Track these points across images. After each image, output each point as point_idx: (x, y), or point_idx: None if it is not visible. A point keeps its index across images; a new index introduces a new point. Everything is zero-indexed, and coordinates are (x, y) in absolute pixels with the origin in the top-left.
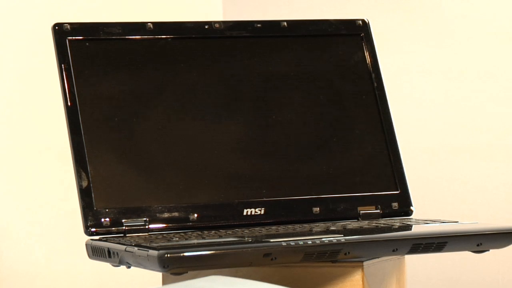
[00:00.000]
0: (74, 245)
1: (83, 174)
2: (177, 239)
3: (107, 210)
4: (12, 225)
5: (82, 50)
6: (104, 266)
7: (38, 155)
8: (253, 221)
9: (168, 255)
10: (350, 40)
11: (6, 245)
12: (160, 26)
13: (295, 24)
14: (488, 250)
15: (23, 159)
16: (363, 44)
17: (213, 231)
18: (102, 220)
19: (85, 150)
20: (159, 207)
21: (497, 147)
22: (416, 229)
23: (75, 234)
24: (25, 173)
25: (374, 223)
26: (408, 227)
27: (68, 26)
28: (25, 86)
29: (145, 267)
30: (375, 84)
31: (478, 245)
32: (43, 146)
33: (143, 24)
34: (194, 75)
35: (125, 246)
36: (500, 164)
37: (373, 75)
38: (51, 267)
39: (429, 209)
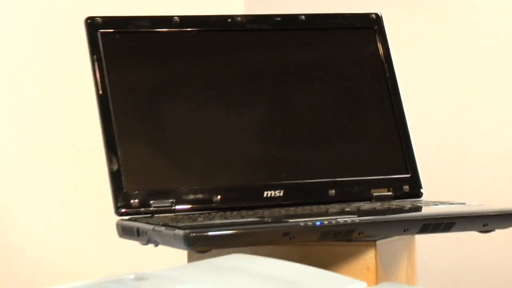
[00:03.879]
0: (104, 225)
1: (114, 159)
2: (202, 219)
3: (136, 192)
4: (46, 206)
5: (113, 42)
6: (133, 245)
7: (71, 141)
8: (273, 202)
9: (193, 234)
10: (364, 32)
11: (39, 226)
12: (186, 20)
13: (312, 18)
14: (494, 230)
15: (58, 144)
16: (376, 36)
17: (235, 212)
18: (131, 201)
19: (115, 136)
20: (185, 189)
21: (504, 130)
22: (426, 210)
23: (105, 215)
24: (61, 158)
25: (386, 205)
26: (418, 208)
27: (100, 20)
28: (57, 77)
29: (171, 245)
30: (388, 74)
31: (484, 225)
32: (74, 133)
33: (170, 17)
34: (217, 65)
35: (153, 226)
36: (506, 148)
37: (385, 65)
38: (82, 246)
39: (438, 192)
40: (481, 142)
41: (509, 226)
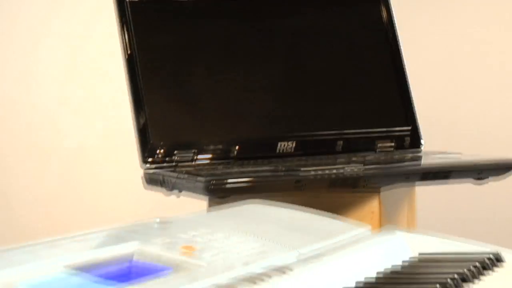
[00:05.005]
0: (131, 175)
1: (140, 114)
2: (221, 168)
3: (160, 144)
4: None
5: (139, 8)
6: (157, 193)
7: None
8: (286, 153)
9: (213, 182)
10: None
11: (72, 174)
12: None
13: None
14: (488, 178)
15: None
16: (381, 2)
17: (251, 162)
18: (156, 153)
19: (142, 93)
20: (205, 142)
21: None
22: (426, 161)
23: (132, 166)
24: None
25: (389, 155)
26: (419, 159)
27: None
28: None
29: (193, 192)
30: (390, 36)
31: (478, 174)
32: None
33: None
34: (236, 29)
35: (176, 175)
36: (500, 103)
37: (388, 28)
38: (114, 193)
39: (437, 143)
40: (477, 98)
41: (502, 175)
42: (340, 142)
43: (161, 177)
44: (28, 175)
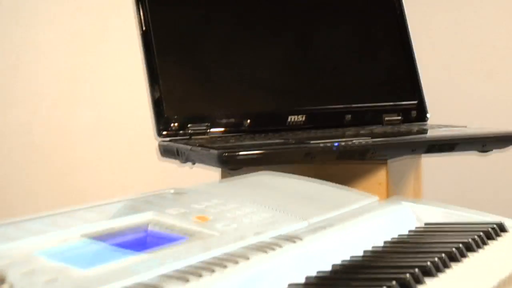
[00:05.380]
0: (147, 146)
1: (156, 87)
2: (233, 141)
3: (175, 117)
4: (100, 130)
5: None
6: (173, 164)
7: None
8: (296, 126)
9: (226, 154)
10: None
11: (92, 146)
12: None
13: None
14: (492, 150)
15: (105, 78)
16: None
17: (263, 135)
18: (171, 125)
19: (157, 68)
20: (219, 115)
21: (504, 61)
22: (431, 133)
23: (147, 138)
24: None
25: (396, 128)
26: (425, 131)
27: None
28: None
29: (206, 164)
30: (397, 11)
31: (483, 146)
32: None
33: None
34: (248, 5)
35: (190, 147)
36: (504, 78)
37: (395, 3)
38: (130, 164)
39: (443, 116)
40: (482, 73)
41: (505, 147)
42: (349, 116)
43: (175, 149)
44: (47, 147)
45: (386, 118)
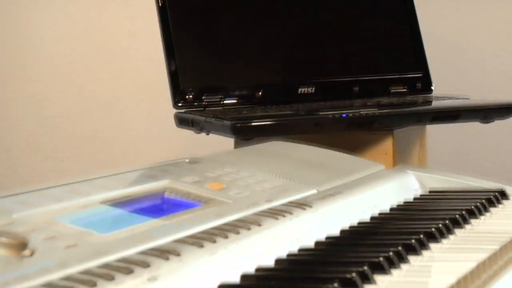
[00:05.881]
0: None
1: (172, 60)
2: (246, 112)
3: (190, 89)
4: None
5: None
6: (189, 133)
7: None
8: (306, 98)
9: (239, 124)
10: None
11: (112, 115)
12: None
13: None
14: (493, 120)
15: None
16: None
17: (274, 106)
18: (187, 96)
19: (173, 41)
20: (232, 87)
21: (506, 34)
22: (436, 104)
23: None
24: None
25: (402, 99)
26: (429, 102)
27: None
28: None
29: (220, 134)
30: None
31: (485, 116)
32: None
33: None
34: None
35: (205, 117)
36: (505, 51)
37: None
38: (148, 134)
39: (447, 88)
40: (485, 46)
41: (506, 117)
42: (356, 87)
43: (190, 119)
44: (69, 117)
45: (392, 90)
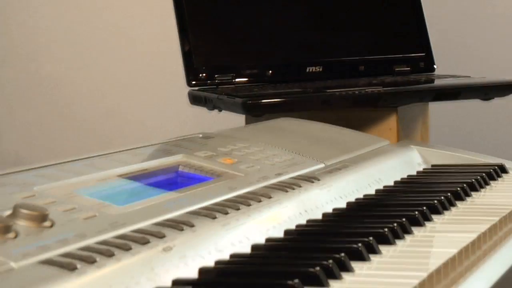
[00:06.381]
0: (180, 94)
1: (186, 41)
2: (256, 90)
3: (203, 68)
4: (134, 80)
5: None
6: (202, 110)
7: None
8: (314, 76)
9: (250, 102)
10: None
11: (129, 97)
12: None
13: None
14: (493, 98)
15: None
16: None
17: (283, 84)
18: (200, 75)
19: (187, 22)
20: (243, 66)
21: (507, 14)
22: (438, 82)
23: (179, 87)
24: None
25: (405, 78)
26: (432, 81)
27: None
28: None
29: (232, 111)
30: None
31: (485, 94)
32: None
33: None
34: None
35: (217, 95)
36: (505, 31)
37: None
38: (163, 111)
39: (448, 67)
40: (486, 26)
41: (506, 94)
42: (362, 66)
43: (203, 97)
44: (87, 96)
45: (396, 69)
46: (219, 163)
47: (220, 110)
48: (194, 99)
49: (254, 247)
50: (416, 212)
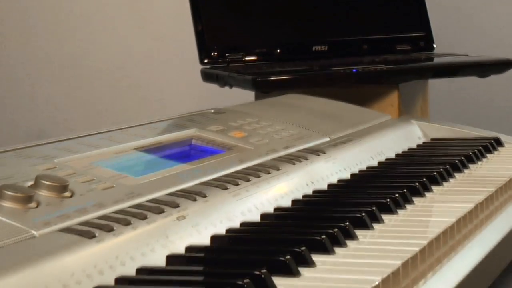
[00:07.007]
0: (193, 71)
1: (198, 21)
2: (265, 67)
3: (215, 47)
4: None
5: None
6: (214, 87)
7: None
8: (319, 55)
9: (259, 79)
10: None
11: (145, 74)
12: None
13: None
14: (490, 75)
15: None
16: None
17: (291, 62)
18: (212, 54)
19: (200, 3)
20: (253, 45)
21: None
22: (437, 60)
23: (193, 64)
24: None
25: (406, 56)
26: (431, 59)
27: None
28: None
29: (242, 88)
30: None
31: (482, 71)
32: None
33: None
34: None
35: (228, 72)
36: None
37: None
38: (177, 87)
39: (447, 46)
40: (485, 8)
41: (502, 72)
42: (365, 45)
43: (215, 75)
44: (109, 72)
45: (398, 48)
46: (230, 137)
47: (231, 87)
48: (207, 77)
49: (263, 216)
50: (417, 183)
